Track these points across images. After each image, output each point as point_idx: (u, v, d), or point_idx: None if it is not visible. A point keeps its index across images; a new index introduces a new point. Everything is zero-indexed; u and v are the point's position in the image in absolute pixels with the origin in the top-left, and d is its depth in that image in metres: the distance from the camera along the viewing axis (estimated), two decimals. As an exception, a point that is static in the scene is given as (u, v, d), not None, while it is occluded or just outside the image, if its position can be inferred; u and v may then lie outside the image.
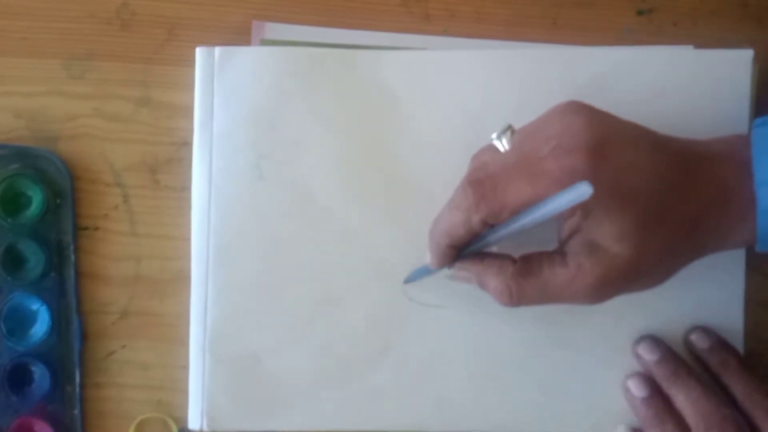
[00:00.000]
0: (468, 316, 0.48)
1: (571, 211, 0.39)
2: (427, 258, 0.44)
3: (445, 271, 0.44)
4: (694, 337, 0.47)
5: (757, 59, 0.47)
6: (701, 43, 0.48)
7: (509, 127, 0.42)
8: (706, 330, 0.47)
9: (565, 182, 0.37)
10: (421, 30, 0.49)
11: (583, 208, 0.39)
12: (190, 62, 0.48)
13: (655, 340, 0.47)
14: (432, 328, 0.48)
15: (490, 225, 0.40)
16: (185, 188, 0.48)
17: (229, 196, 0.47)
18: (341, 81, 0.48)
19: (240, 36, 0.49)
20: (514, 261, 0.42)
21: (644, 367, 0.47)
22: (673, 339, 0.47)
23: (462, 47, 0.49)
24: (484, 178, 0.40)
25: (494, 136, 0.42)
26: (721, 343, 0.47)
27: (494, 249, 0.43)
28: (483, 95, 0.47)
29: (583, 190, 0.35)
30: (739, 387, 0.45)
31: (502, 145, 0.41)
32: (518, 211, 0.39)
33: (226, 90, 0.47)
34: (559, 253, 0.41)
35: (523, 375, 0.48)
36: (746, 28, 0.49)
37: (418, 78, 0.48)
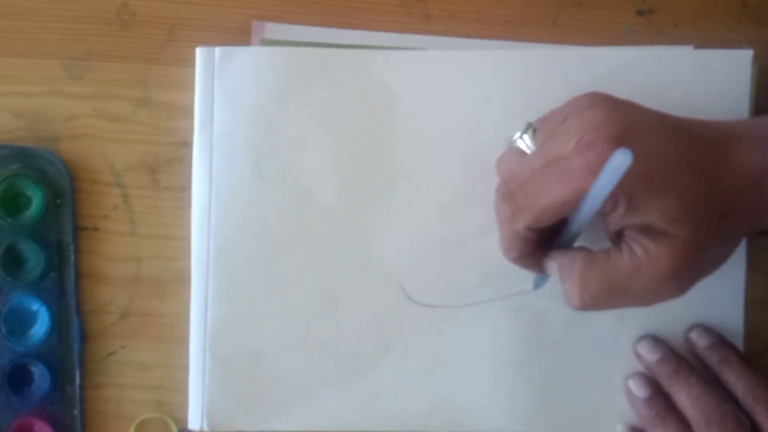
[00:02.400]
0: (468, 316, 0.48)
1: (613, 204, 0.38)
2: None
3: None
4: (694, 335, 0.47)
5: (757, 59, 0.47)
6: (701, 43, 0.48)
7: (530, 126, 0.41)
8: (706, 328, 0.47)
9: (595, 175, 0.36)
10: (421, 30, 0.49)
11: (626, 201, 0.38)
12: (190, 62, 0.48)
13: (655, 340, 0.47)
14: (432, 328, 0.48)
15: (540, 229, 0.40)
16: (185, 188, 0.48)
17: (229, 196, 0.47)
18: (341, 81, 0.48)
19: (240, 36, 0.49)
20: (588, 253, 0.41)
21: (645, 366, 0.47)
22: (674, 338, 0.47)
23: (462, 47, 0.49)
24: (515, 190, 0.40)
25: (516, 136, 0.42)
26: (721, 341, 0.47)
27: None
28: (483, 95, 0.47)
29: (620, 159, 0.34)
30: (740, 384, 0.45)
31: (526, 145, 0.41)
32: (558, 212, 0.39)
33: (227, 90, 0.47)
34: (622, 244, 0.40)
35: (523, 375, 0.48)
36: (746, 28, 0.49)
37: (418, 78, 0.48)
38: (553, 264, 0.42)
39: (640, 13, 0.49)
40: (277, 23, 0.49)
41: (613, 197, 0.38)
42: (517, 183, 0.40)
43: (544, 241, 0.42)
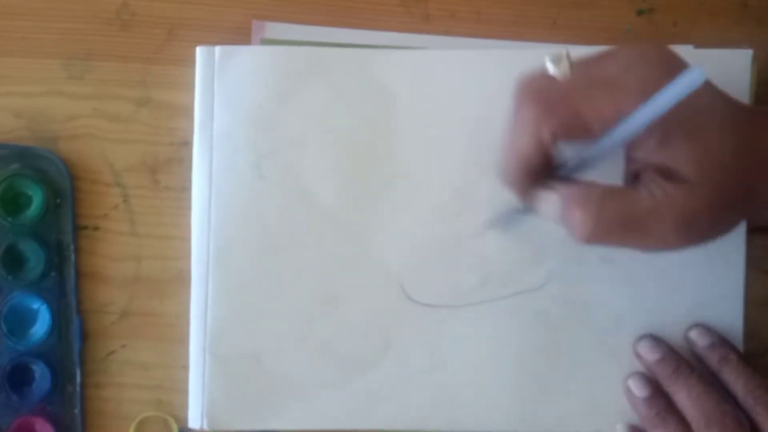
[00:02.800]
0: (468, 316, 0.48)
1: (648, 135, 0.37)
2: (507, 193, 0.41)
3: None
4: (694, 334, 0.47)
5: (757, 59, 0.47)
6: (701, 43, 0.48)
7: (567, 54, 0.38)
8: (706, 327, 0.47)
9: (650, 94, 0.34)
10: (421, 30, 0.49)
11: (659, 135, 0.37)
12: (190, 62, 0.48)
13: (655, 339, 0.47)
14: (432, 328, 0.48)
15: (559, 141, 0.38)
16: (185, 188, 0.48)
17: (229, 196, 0.47)
18: (341, 80, 0.48)
19: (240, 36, 0.49)
20: (602, 187, 0.39)
21: (645, 366, 0.47)
22: (673, 338, 0.47)
23: (462, 47, 0.49)
24: (548, 90, 0.37)
25: (548, 59, 0.38)
26: (721, 341, 0.47)
27: None
28: (483, 95, 0.47)
29: (696, 76, 0.33)
30: (740, 383, 0.45)
31: (560, 71, 0.38)
32: (596, 127, 0.36)
33: (227, 90, 0.47)
34: (640, 183, 0.38)
35: (523, 375, 0.48)
36: (746, 28, 0.49)
37: (418, 78, 0.48)
38: (553, 195, 0.39)
39: (640, 13, 0.49)
40: (277, 23, 0.49)
41: (649, 128, 0.36)
42: (553, 85, 0.37)
43: (540, 170, 0.40)
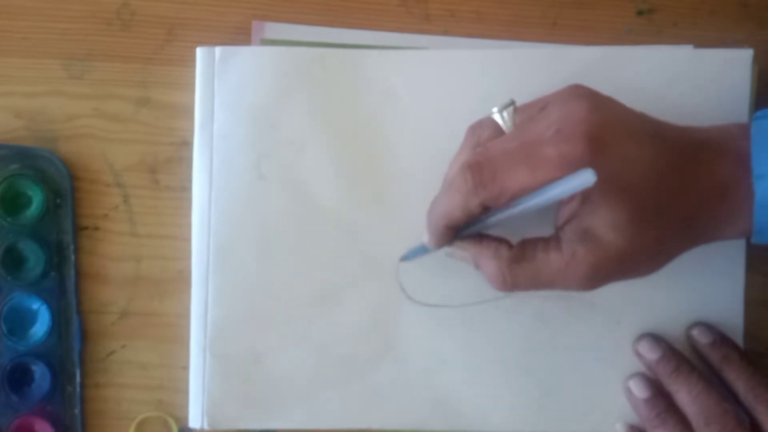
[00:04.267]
0: (468, 316, 0.48)
1: (570, 196, 0.39)
2: (425, 237, 0.44)
3: (444, 250, 0.44)
4: (695, 333, 0.47)
5: (757, 59, 0.47)
6: (701, 43, 0.48)
7: (512, 103, 0.42)
8: (707, 326, 0.47)
9: (564, 170, 0.37)
10: (421, 30, 0.49)
11: (582, 194, 0.39)
12: (190, 62, 0.48)
13: (655, 339, 0.47)
14: (432, 328, 0.48)
15: (488, 208, 0.41)
16: (185, 188, 0.48)
17: (229, 196, 0.47)
18: (341, 80, 0.48)
19: (240, 36, 0.49)
20: (510, 246, 0.42)
21: (645, 365, 0.47)
22: (673, 338, 0.47)
23: (462, 47, 0.49)
24: (483, 163, 0.40)
25: (495, 110, 0.42)
26: (722, 339, 0.47)
27: (492, 232, 0.43)
28: (483, 95, 0.47)
29: (586, 178, 0.35)
30: (741, 382, 0.45)
31: (503, 120, 0.42)
32: (517, 197, 0.39)
33: (227, 90, 0.47)
34: (555, 239, 0.41)
35: (523, 375, 0.48)
36: (746, 28, 0.49)
37: (418, 78, 0.48)
38: (464, 252, 0.43)
39: (640, 13, 0.49)
40: (277, 23, 0.49)
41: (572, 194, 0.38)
42: (487, 158, 0.40)
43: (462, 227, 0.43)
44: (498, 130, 0.42)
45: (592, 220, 0.40)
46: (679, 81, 0.47)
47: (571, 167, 0.37)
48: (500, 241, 0.43)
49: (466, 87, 0.47)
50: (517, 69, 0.47)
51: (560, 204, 0.41)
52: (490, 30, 0.49)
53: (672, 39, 0.49)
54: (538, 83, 0.47)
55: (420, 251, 0.46)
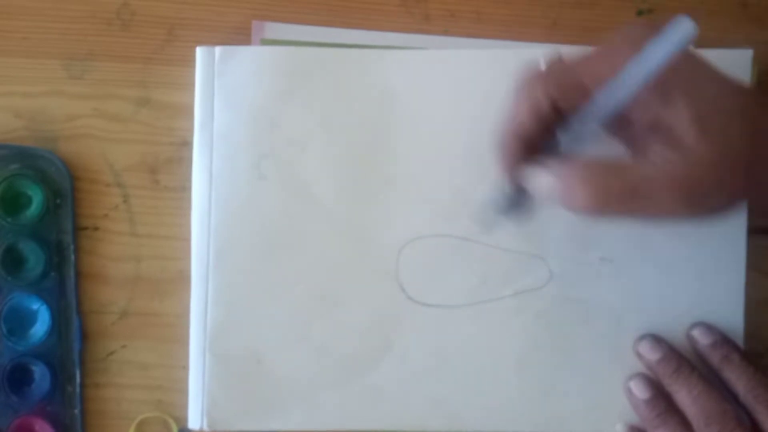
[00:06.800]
0: (468, 316, 0.48)
1: (649, 92, 0.36)
2: (496, 167, 0.40)
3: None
4: (696, 333, 0.47)
5: (756, 59, 0.47)
6: (701, 43, 0.48)
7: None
8: (708, 326, 0.47)
9: (646, 40, 0.34)
10: (421, 30, 0.49)
11: (662, 91, 0.36)
12: (190, 62, 0.48)
13: (656, 339, 0.47)
14: (432, 328, 0.48)
15: (560, 112, 0.37)
16: (185, 188, 0.48)
17: (229, 196, 0.47)
18: (341, 81, 0.48)
19: (240, 36, 0.49)
20: (598, 161, 0.38)
21: (646, 365, 0.47)
22: (674, 338, 0.47)
23: (462, 47, 0.49)
24: (553, 54, 0.37)
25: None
26: (723, 339, 0.47)
27: None
28: (483, 95, 0.47)
29: (686, 26, 0.32)
30: (741, 382, 0.45)
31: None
32: (591, 90, 0.36)
33: (227, 90, 0.47)
34: (641, 154, 0.38)
35: (523, 375, 0.48)
36: (746, 28, 0.49)
37: (418, 78, 0.48)
38: (546, 173, 0.39)
39: (640, 13, 0.49)
40: (277, 23, 0.49)
41: (650, 87, 0.36)
42: (552, 57, 0.37)
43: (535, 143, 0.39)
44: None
45: (675, 118, 0.36)
46: (679, 81, 0.47)
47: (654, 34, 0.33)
48: (586, 158, 0.38)
49: (466, 87, 0.47)
50: (517, 69, 0.47)
51: (631, 113, 0.37)
52: (490, 30, 0.49)
53: (672, 39, 0.49)
54: (538, 83, 0.47)
55: (498, 200, 0.42)
